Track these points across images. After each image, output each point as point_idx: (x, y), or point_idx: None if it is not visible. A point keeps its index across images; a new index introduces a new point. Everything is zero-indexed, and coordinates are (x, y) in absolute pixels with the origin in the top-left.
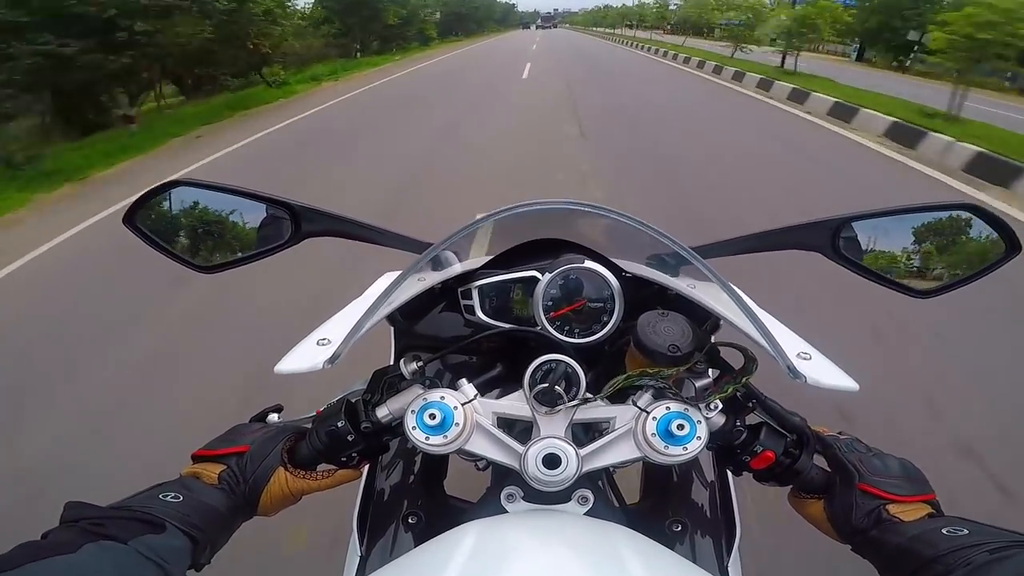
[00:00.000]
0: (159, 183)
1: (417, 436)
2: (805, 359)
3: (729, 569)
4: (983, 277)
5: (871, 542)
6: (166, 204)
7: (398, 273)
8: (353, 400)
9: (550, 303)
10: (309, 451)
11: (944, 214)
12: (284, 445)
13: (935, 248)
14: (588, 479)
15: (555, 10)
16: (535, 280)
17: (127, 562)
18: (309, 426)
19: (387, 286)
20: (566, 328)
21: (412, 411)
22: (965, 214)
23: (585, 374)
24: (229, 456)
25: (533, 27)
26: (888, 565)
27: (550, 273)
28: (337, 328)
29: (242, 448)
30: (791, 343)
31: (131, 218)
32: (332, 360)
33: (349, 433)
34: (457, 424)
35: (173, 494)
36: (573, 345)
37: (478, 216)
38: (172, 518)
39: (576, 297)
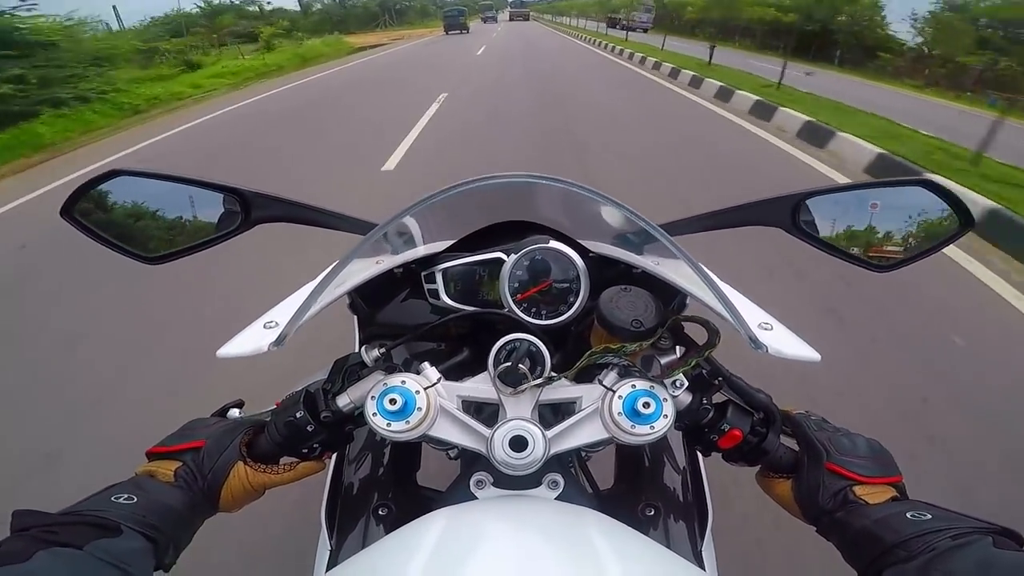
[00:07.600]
0: (98, 174)
1: (378, 423)
2: (767, 329)
3: (703, 553)
4: (939, 251)
5: (836, 524)
6: (106, 195)
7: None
8: (313, 390)
9: (516, 285)
10: (269, 444)
11: (901, 189)
12: (243, 439)
13: (892, 223)
14: (559, 463)
15: None
16: (500, 262)
17: (84, 568)
18: (269, 419)
19: (333, 266)
20: (533, 310)
21: (372, 397)
22: (922, 189)
23: (552, 354)
24: (185, 452)
25: (501, 16)
26: (852, 548)
27: (515, 254)
28: (286, 311)
29: (198, 443)
30: (753, 314)
31: (69, 210)
32: (278, 343)
33: (309, 423)
34: (420, 409)
35: (126, 495)
36: (541, 327)
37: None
38: (127, 520)
39: (542, 278)
